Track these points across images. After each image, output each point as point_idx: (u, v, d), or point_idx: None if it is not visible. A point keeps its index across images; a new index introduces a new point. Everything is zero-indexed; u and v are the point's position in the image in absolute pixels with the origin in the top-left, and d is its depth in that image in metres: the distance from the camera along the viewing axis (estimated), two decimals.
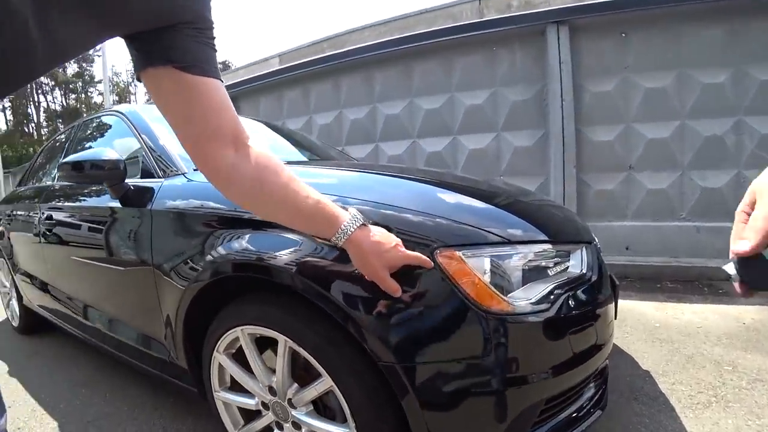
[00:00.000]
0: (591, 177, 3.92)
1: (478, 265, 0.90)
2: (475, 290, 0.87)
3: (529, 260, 0.97)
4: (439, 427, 0.89)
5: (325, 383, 0.97)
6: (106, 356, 1.83)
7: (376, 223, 0.88)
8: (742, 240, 0.42)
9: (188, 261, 1.19)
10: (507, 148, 4.21)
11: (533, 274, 0.97)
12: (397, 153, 4.70)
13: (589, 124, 3.93)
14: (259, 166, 0.69)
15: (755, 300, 2.86)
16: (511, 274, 0.94)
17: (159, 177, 1.45)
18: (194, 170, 1.42)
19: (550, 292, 0.96)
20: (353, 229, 0.77)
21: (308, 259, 0.95)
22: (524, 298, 0.92)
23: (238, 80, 5.99)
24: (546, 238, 1.03)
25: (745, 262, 0.42)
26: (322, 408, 1.09)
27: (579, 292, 1.04)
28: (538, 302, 0.93)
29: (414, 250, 0.86)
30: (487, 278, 0.89)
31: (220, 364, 1.19)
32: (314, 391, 1.00)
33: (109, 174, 1.40)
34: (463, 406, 0.88)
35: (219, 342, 1.16)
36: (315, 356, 0.96)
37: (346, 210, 0.80)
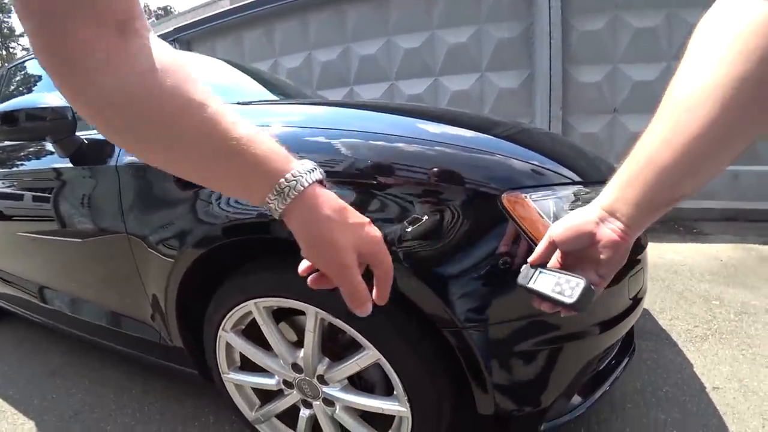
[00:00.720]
0: (576, 119, 3.84)
1: (546, 209, 0.78)
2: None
3: (573, 201, 0.85)
4: (506, 388, 0.80)
5: (369, 356, 0.83)
6: (78, 340, 1.59)
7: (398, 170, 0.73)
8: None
9: (176, 226, 0.97)
10: (491, 89, 4.01)
11: None
12: (374, 97, 4.39)
13: (577, 64, 3.77)
14: (154, 70, 0.36)
15: (728, 237, 3.00)
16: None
17: None
18: None
19: None
20: (307, 183, 0.40)
21: None
22: None
23: (189, 22, 5.31)
24: (590, 179, 0.90)
25: (528, 268, 0.54)
26: (357, 380, 0.96)
27: None
28: None
29: (469, 195, 0.73)
30: (552, 222, 0.78)
31: (227, 343, 1.02)
32: (355, 366, 0.86)
33: (54, 126, 1.10)
34: (532, 367, 0.81)
35: (225, 319, 0.97)
36: (357, 328, 0.81)
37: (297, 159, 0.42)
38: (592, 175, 0.94)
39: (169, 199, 0.99)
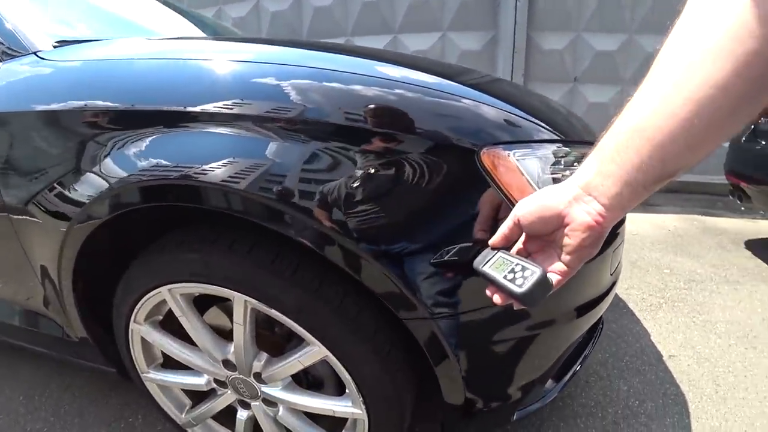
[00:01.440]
0: (538, 87, 3.77)
1: (531, 170, 0.64)
2: None
3: (552, 164, 0.72)
4: (479, 381, 0.69)
5: (314, 353, 0.68)
6: None
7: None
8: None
9: (62, 189, 0.74)
10: (452, 50, 3.82)
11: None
12: None
13: (541, 30, 3.66)
14: None
15: (674, 209, 3.12)
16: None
17: None
18: (55, 45, 0.89)
19: None
20: None
21: (272, 164, 0.60)
22: None
23: None
24: (569, 137, 0.77)
25: (488, 251, 0.49)
26: (304, 377, 0.81)
27: None
28: None
29: (438, 151, 0.60)
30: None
31: (142, 338, 0.83)
32: (298, 364, 0.71)
33: None
34: (507, 356, 0.70)
35: (136, 309, 0.78)
36: (298, 320, 0.65)
37: None
38: (571, 134, 0.80)
39: (50, 156, 0.76)
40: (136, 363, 0.87)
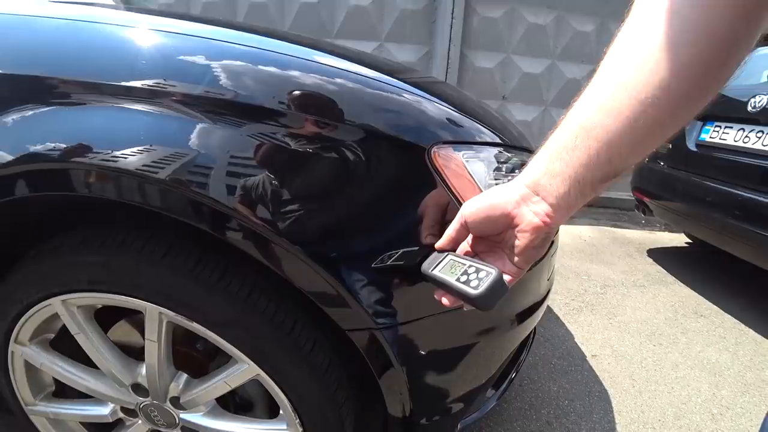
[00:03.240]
0: None
1: (478, 173, 0.63)
2: None
3: (494, 169, 0.72)
4: (424, 390, 0.65)
5: (244, 372, 0.60)
6: None
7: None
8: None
9: None
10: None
11: None
12: None
13: (474, 48, 3.84)
14: None
15: (588, 221, 3.42)
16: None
17: None
18: None
19: None
20: None
21: (198, 151, 0.52)
22: None
23: None
24: (508, 142, 0.78)
25: (436, 254, 0.47)
26: (230, 398, 0.72)
27: None
28: None
29: (384, 146, 0.57)
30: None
31: (26, 362, 0.67)
32: (224, 385, 0.62)
33: None
34: (451, 365, 0.67)
35: (18, 327, 0.63)
36: (224, 334, 0.56)
37: None
38: (510, 138, 0.82)
39: None
40: (18, 394, 0.70)
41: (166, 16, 0.75)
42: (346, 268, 0.54)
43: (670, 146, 2.24)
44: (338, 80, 0.58)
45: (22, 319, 0.63)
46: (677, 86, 0.32)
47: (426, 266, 0.46)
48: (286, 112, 0.53)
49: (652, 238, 3.02)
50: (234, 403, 0.72)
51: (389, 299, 0.57)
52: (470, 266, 0.42)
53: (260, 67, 0.56)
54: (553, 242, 0.88)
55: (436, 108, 0.65)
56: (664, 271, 2.35)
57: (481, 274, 0.40)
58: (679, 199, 2.14)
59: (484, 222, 0.42)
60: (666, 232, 3.19)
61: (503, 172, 0.72)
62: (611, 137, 0.35)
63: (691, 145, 2.12)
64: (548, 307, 1.82)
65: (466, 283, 0.40)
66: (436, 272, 0.44)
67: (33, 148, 0.52)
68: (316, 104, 0.55)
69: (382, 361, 0.59)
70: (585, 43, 3.93)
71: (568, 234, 3.01)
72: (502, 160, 0.71)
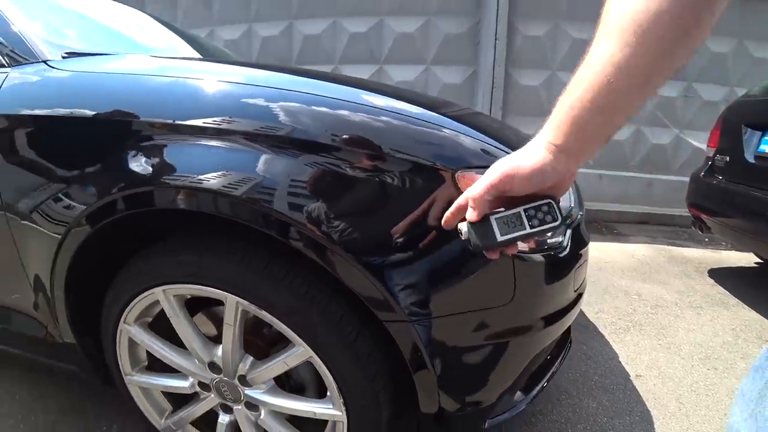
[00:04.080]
0: (515, 120, 3.97)
1: None
2: None
3: None
4: (451, 385, 0.74)
5: (299, 354, 0.72)
6: None
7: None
8: (469, 209, 0.47)
9: (62, 196, 0.77)
10: (435, 83, 4.01)
11: None
12: None
13: (519, 67, 3.89)
14: None
15: (643, 239, 3.28)
16: None
17: (1, 67, 0.92)
18: (64, 56, 0.94)
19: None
20: None
21: (265, 174, 0.66)
22: None
23: None
24: None
25: (474, 225, 0.47)
26: (286, 381, 0.84)
27: (576, 227, 0.93)
28: (552, 239, 0.80)
29: (417, 171, 0.66)
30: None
31: (130, 338, 0.84)
32: (283, 364, 0.74)
33: None
34: (478, 363, 0.75)
35: (127, 309, 0.80)
36: (287, 321, 0.69)
37: None
38: None
39: (53, 160, 0.79)
40: (120, 365, 0.88)
41: (234, 64, 0.92)
42: (387, 271, 0.65)
43: (727, 158, 2.15)
44: (383, 118, 0.70)
45: (131, 304, 0.80)
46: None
47: (482, 240, 0.47)
48: (338, 146, 0.66)
49: (714, 258, 2.85)
50: (288, 386, 0.84)
51: (422, 297, 0.67)
52: (524, 210, 0.46)
53: (314, 108, 0.70)
54: (581, 256, 0.93)
55: (465, 137, 0.74)
56: (727, 292, 2.22)
57: (543, 209, 0.45)
58: (738, 215, 2.03)
59: (523, 183, 0.44)
60: (732, 251, 2.99)
61: None
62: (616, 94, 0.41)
63: (750, 157, 2.02)
64: (593, 325, 1.82)
65: (543, 222, 0.45)
66: (505, 237, 0.46)
67: (144, 174, 0.69)
68: (361, 139, 0.67)
69: (413, 351, 0.69)
70: None
71: (619, 252, 2.92)
72: None
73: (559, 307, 0.83)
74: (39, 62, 0.90)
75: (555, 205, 0.45)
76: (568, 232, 0.87)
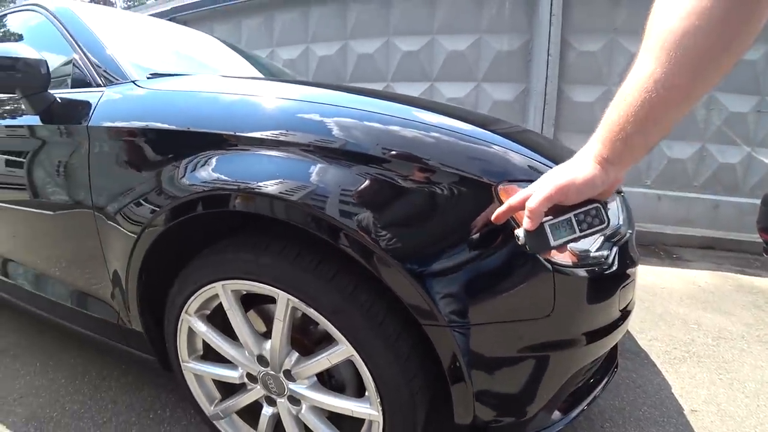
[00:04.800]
0: (568, 137, 3.86)
1: None
2: None
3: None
4: (487, 396, 0.75)
5: (342, 352, 0.76)
6: (35, 319, 1.47)
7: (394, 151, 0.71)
8: (526, 219, 0.52)
9: (140, 199, 0.89)
10: (486, 100, 4.01)
11: None
12: None
13: (572, 83, 3.80)
14: None
15: (707, 265, 3.04)
16: None
17: (98, 86, 1.08)
18: (148, 77, 1.08)
19: (603, 244, 0.84)
20: None
21: (319, 182, 0.72)
22: (582, 250, 0.78)
23: (187, 2, 5.19)
24: None
25: (529, 232, 0.52)
26: (327, 379, 0.89)
27: (623, 246, 0.91)
28: (596, 254, 0.80)
29: (461, 184, 0.70)
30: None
31: (189, 328, 0.93)
32: (326, 361, 0.79)
33: (25, 78, 1.02)
34: (516, 375, 0.76)
35: (189, 301, 0.89)
36: (332, 319, 0.74)
37: None
38: None
39: (136, 167, 0.91)
40: (179, 352, 0.97)
41: (292, 83, 1.01)
42: (429, 278, 0.68)
43: None
44: (433, 133, 0.74)
45: (193, 296, 0.89)
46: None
47: (540, 245, 0.52)
48: (388, 158, 0.71)
49: None
50: (329, 385, 0.89)
51: (460, 304, 0.69)
52: (574, 215, 0.50)
53: (365, 123, 0.75)
54: (628, 275, 0.91)
55: (512, 153, 0.77)
56: None
57: (591, 213, 0.50)
58: None
59: (575, 195, 0.49)
60: None
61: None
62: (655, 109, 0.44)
63: None
64: (644, 352, 1.72)
65: (591, 226, 0.50)
66: (559, 240, 0.51)
67: (211, 179, 0.78)
68: (410, 152, 0.72)
69: (449, 354, 0.71)
70: None
71: (678, 278, 2.73)
72: None
73: (602, 325, 0.82)
74: (128, 82, 1.05)
75: (602, 209, 0.49)
76: (614, 248, 0.86)
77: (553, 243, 0.50)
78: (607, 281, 0.81)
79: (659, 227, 3.66)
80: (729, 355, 1.72)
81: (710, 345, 1.81)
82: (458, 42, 4.00)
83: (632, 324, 1.98)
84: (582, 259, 0.75)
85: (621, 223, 0.99)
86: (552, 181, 0.50)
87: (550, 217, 0.51)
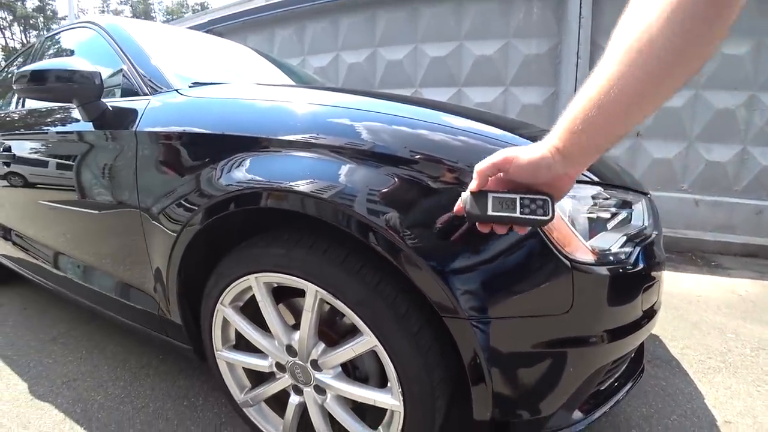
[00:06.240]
0: None
1: (562, 207, 0.76)
2: (558, 233, 0.73)
3: (591, 205, 0.82)
4: (506, 391, 0.76)
5: (365, 342, 0.80)
6: (82, 310, 1.60)
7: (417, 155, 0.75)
8: (473, 181, 0.55)
9: (181, 198, 0.96)
10: (514, 104, 3.98)
11: (597, 222, 0.84)
12: None
13: None
14: None
15: (749, 273, 2.90)
16: (579, 220, 0.79)
17: (145, 95, 1.18)
18: (190, 86, 1.16)
19: (625, 244, 0.85)
20: None
21: (347, 182, 0.76)
22: (603, 248, 0.79)
23: (223, 15, 5.43)
24: (609, 182, 0.88)
25: (474, 195, 0.54)
26: (352, 370, 0.93)
27: (647, 246, 0.91)
28: (618, 253, 0.81)
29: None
30: (568, 220, 0.76)
31: (224, 318, 1.00)
32: (350, 351, 0.83)
33: (81, 89, 1.13)
34: (535, 370, 0.77)
35: (224, 293, 0.96)
36: (357, 311, 0.78)
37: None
38: (612, 179, 0.91)
39: (176, 169, 0.99)
40: (214, 341, 1.04)
41: (323, 89, 1.06)
42: (450, 272, 0.71)
43: None
44: (460, 137, 0.77)
45: (228, 288, 0.95)
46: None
47: (477, 209, 0.53)
48: (414, 160, 0.74)
49: None
50: (354, 376, 0.93)
51: (480, 298, 0.71)
52: (521, 198, 0.51)
53: (393, 126, 0.80)
54: (652, 277, 0.90)
55: None
56: None
57: (538, 202, 0.51)
58: None
59: (526, 173, 0.51)
60: None
61: (597, 207, 0.82)
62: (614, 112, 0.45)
63: None
64: (676, 360, 1.67)
65: (533, 213, 0.51)
66: (496, 213, 0.52)
67: (246, 179, 0.84)
68: (435, 155, 0.75)
69: (471, 351, 0.73)
70: (737, 68, 3.47)
71: (715, 285, 2.62)
72: (600, 198, 0.83)
73: (624, 323, 0.82)
74: (172, 90, 1.13)
75: (550, 203, 0.50)
76: (638, 249, 0.86)
77: (489, 212, 0.52)
78: (629, 280, 0.82)
79: (698, 233, 3.51)
80: None
81: (748, 356, 1.73)
82: (486, 47, 4.00)
83: (664, 332, 1.93)
84: (602, 257, 0.76)
85: (646, 224, 0.98)
86: (504, 151, 0.53)
87: (499, 191, 0.53)
